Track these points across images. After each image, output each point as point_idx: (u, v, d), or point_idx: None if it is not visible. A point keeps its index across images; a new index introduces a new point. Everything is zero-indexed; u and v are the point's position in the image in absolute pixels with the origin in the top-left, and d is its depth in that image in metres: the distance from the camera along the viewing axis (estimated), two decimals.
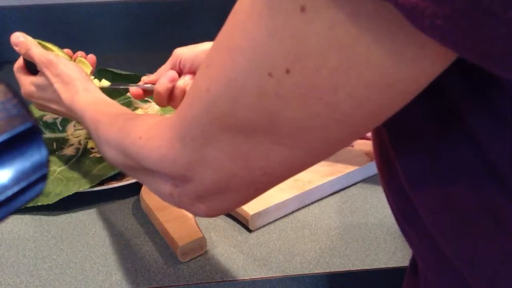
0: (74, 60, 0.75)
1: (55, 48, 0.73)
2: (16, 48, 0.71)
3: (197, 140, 0.34)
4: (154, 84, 0.70)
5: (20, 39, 0.70)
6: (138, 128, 0.42)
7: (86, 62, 0.75)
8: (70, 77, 0.65)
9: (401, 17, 0.23)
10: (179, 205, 0.40)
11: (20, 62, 0.74)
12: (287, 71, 0.27)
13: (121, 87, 0.80)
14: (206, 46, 0.68)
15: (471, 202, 0.32)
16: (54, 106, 0.68)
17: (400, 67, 0.25)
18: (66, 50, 0.76)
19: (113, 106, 0.59)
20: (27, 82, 0.71)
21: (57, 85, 0.65)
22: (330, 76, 0.26)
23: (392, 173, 0.38)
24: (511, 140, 0.29)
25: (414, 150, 0.35)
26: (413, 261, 0.46)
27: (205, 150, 0.34)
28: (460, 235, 0.34)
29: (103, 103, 0.60)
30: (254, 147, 0.32)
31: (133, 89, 0.72)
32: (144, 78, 0.74)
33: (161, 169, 0.38)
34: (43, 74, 0.68)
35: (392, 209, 0.42)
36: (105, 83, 0.78)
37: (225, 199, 0.37)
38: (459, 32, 0.22)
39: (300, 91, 0.27)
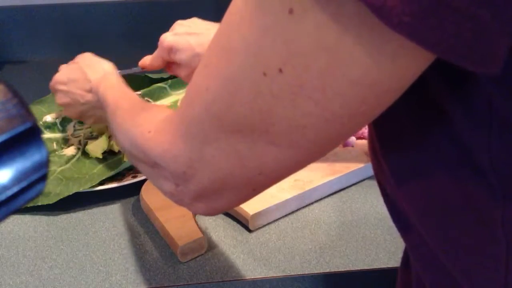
0: None
1: None
2: None
3: (197, 138, 0.34)
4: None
5: None
6: (149, 121, 0.43)
7: None
8: (103, 69, 0.71)
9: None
10: (180, 203, 0.41)
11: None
12: (280, 71, 0.28)
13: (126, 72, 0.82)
14: (200, 38, 0.69)
15: (453, 195, 0.33)
16: (76, 84, 0.71)
17: (381, 65, 0.26)
18: None
19: (132, 94, 0.61)
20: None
21: (87, 69, 0.71)
22: (318, 75, 0.27)
23: (382, 168, 0.39)
24: (489, 135, 0.30)
25: (398, 145, 0.36)
26: (405, 254, 0.46)
27: (204, 148, 0.34)
28: (443, 228, 0.35)
29: (125, 89, 0.63)
30: (249, 146, 0.32)
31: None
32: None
33: (164, 164, 0.38)
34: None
35: (386, 204, 0.43)
36: None
37: (224, 199, 0.37)
38: (426, 28, 0.23)
39: (292, 90, 0.28)
